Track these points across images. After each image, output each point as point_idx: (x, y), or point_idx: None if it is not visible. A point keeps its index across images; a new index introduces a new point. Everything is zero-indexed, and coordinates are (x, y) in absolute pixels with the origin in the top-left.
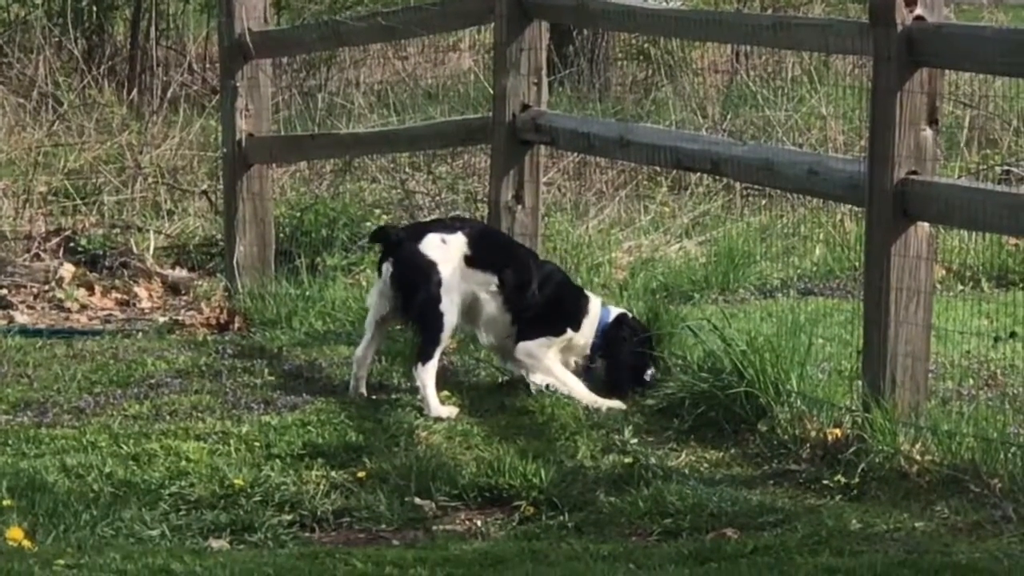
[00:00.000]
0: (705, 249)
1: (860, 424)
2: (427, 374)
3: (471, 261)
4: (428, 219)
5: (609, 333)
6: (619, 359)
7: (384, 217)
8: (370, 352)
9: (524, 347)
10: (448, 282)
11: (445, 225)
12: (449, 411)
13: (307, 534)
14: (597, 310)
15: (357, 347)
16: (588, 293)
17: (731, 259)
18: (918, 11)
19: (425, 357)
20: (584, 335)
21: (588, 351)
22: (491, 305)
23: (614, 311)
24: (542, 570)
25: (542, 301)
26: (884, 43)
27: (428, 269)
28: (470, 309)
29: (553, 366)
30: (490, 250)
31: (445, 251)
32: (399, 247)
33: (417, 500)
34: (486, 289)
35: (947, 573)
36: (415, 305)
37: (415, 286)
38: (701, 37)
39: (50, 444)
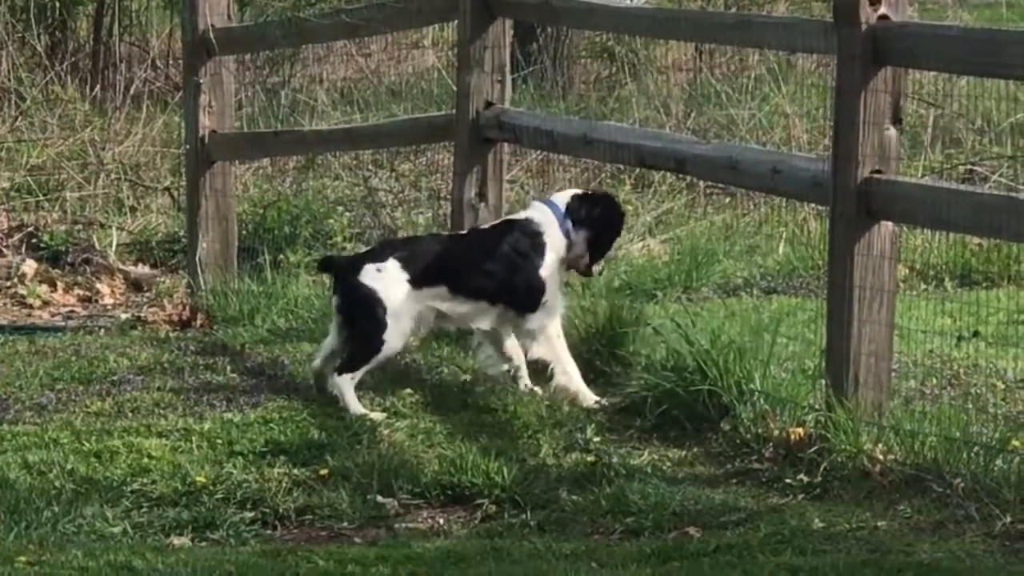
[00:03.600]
0: (668, 247)
1: (823, 423)
2: (345, 384)
3: (414, 283)
4: (364, 249)
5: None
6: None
7: (347, 214)
8: (328, 367)
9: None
10: (395, 309)
11: (375, 254)
12: (375, 414)
13: (269, 532)
14: (546, 217)
15: (315, 359)
16: (523, 215)
17: (694, 257)
18: (882, 10)
19: (349, 368)
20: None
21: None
22: (460, 308)
23: (560, 197)
24: (504, 568)
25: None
26: (848, 42)
27: (370, 299)
28: (443, 319)
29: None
30: (425, 265)
31: (383, 279)
32: (342, 280)
33: (379, 498)
34: (442, 299)
35: (910, 573)
36: (359, 335)
37: (358, 316)
38: (665, 35)
39: (12, 441)
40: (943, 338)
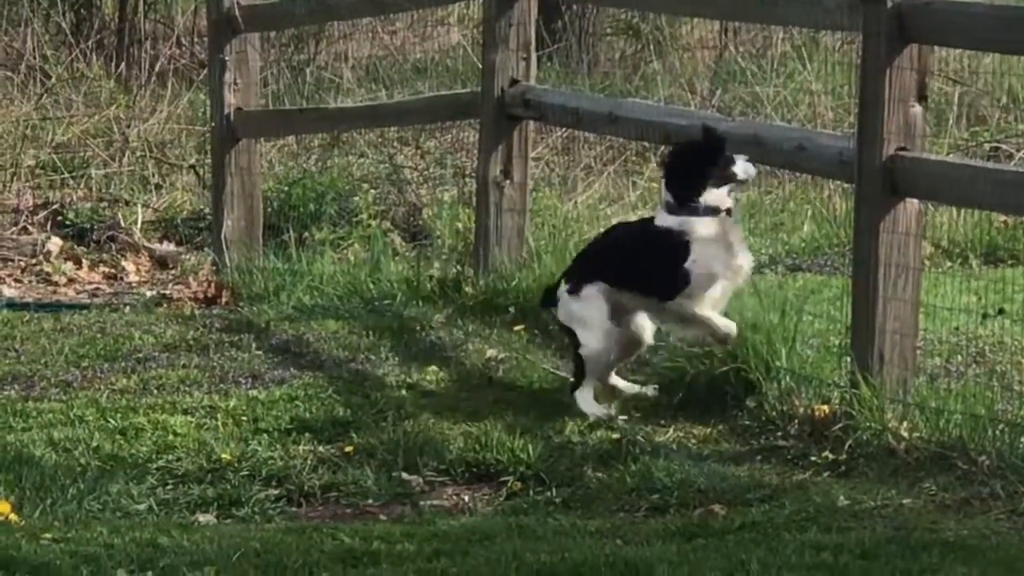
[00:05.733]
0: None
1: (848, 400)
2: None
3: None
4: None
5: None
6: None
7: (372, 192)
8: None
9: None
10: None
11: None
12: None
13: (294, 509)
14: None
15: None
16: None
17: None
18: None
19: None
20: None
21: None
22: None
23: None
24: (529, 545)
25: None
26: (873, 19)
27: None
28: None
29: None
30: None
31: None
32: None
33: (404, 475)
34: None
35: (935, 550)
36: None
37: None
38: (690, 13)
39: (37, 418)
40: (968, 315)
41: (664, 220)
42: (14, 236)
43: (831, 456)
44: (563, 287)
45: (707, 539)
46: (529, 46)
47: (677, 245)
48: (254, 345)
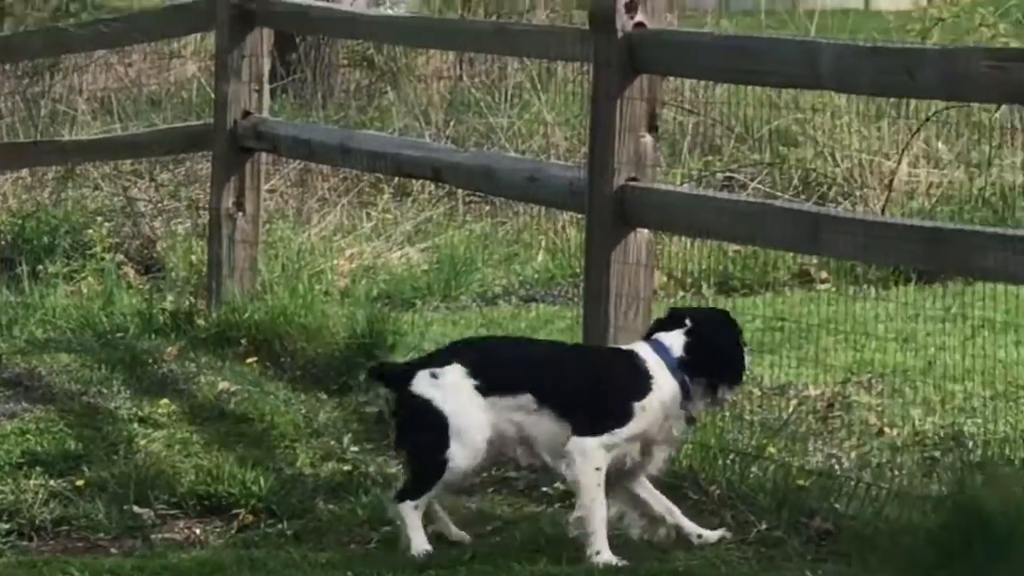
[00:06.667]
0: (427, 256)
1: None
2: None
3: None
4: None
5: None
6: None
7: (106, 224)
8: None
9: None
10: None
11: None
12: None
13: (25, 543)
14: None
15: None
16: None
17: (453, 266)
18: (639, 17)
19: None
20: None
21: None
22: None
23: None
24: None
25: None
26: (604, 50)
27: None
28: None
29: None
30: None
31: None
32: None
33: (136, 508)
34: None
35: None
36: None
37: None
38: (424, 44)
39: None
40: None
41: None
42: None
43: (562, 487)
44: None
45: (439, 571)
46: (262, 78)
47: None
48: None
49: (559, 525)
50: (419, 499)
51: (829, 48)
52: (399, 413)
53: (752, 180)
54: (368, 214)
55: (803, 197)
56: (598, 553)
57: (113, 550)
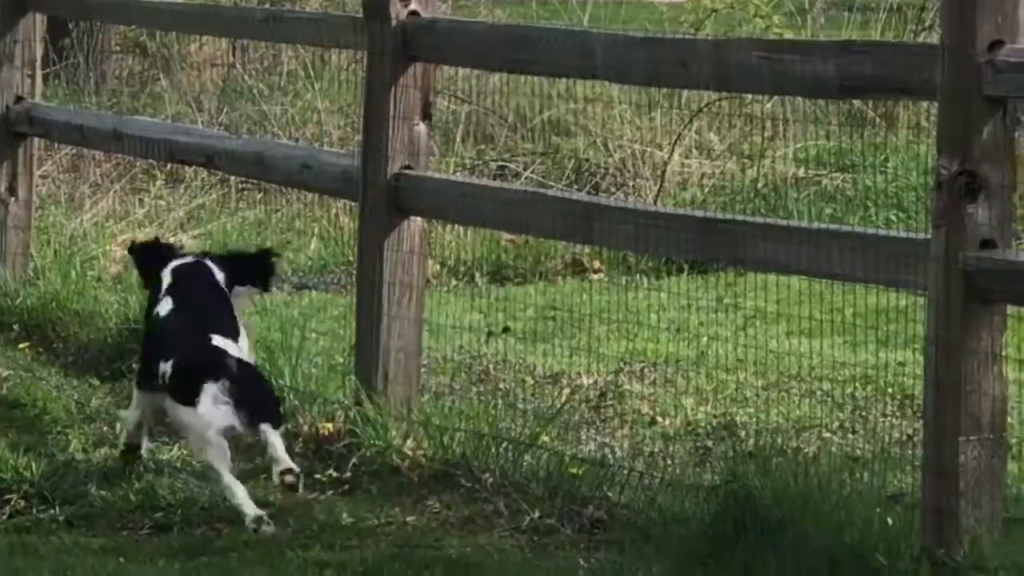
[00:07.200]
0: (200, 243)
1: (352, 418)
2: None
3: None
4: None
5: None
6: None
7: None
8: None
9: None
10: None
11: None
12: None
13: None
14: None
15: None
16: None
17: None
18: (412, 6)
19: None
20: None
21: None
22: None
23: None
24: (32, 563)
25: None
26: (378, 38)
27: None
28: None
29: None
30: None
31: None
32: None
33: None
34: None
35: (438, 567)
36: None
37: None
38: (197, 31)
39: None
40: (474, 334)
41: None
42: None
43: (335, 474)
44: None
45: (211, 557)
46: (35, 63)
47: None
48: None
49: (333, 512)
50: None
51: (602, 38)
52: None
53: (525, 170)
54: (141, 200)
55: (576, 187)
56: None
57: None
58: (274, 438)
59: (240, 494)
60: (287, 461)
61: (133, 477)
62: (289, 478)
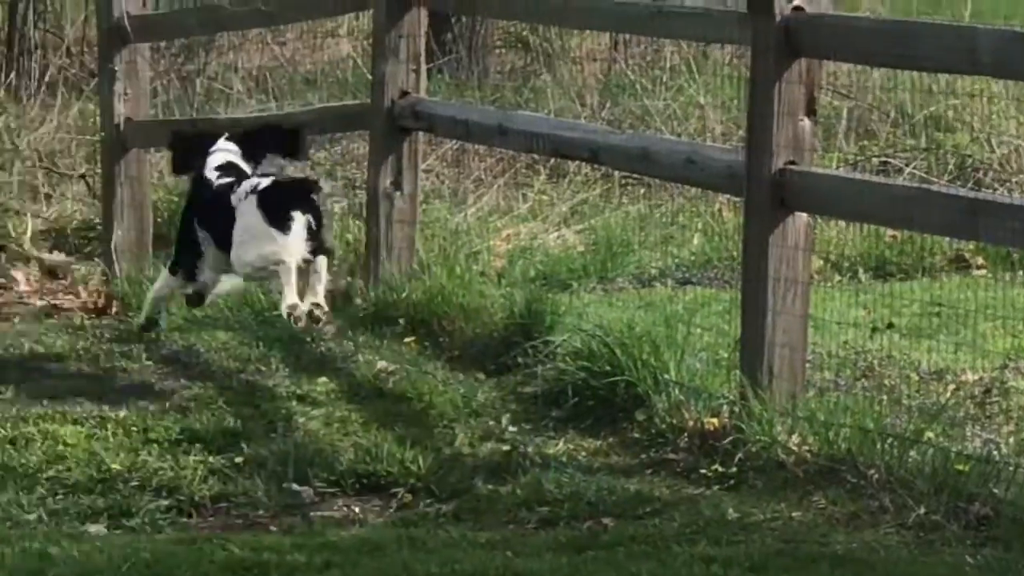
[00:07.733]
0: (583, 238)
1: (737, 414)
2: None
3: None
4: None
5: None
6: None
7: None
8: None
9: None
10: None
11: None
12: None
13: (184, 519)
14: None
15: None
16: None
17: (609, 248)
18: (796, 1)
19: None
20: None
21: None
22: None
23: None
24: (419, 557)
25: None
26: (762, 33)
27: None
28: None
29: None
30: None
31: None
32: None
33: (295, 486)
34: None
35: (824, 563)
36: None
37: None
38: (580, 25)
39: None
40: (858, 329)
41: None
42: None
43: (721, 469)
44: None
45: (597, 551)
46: (419, 58)
47: None
48: (144, 356)
49: (719, 508)
50: None
51: (988, 33)
52: None
53: (907, 165)
54: (524, 195)
55: (959, 183)
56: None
57: (272, 527)
58: (323, 272)
59: (291, 294)
60: (321, 297)
61: (519, 471)
62: (317, 312)
